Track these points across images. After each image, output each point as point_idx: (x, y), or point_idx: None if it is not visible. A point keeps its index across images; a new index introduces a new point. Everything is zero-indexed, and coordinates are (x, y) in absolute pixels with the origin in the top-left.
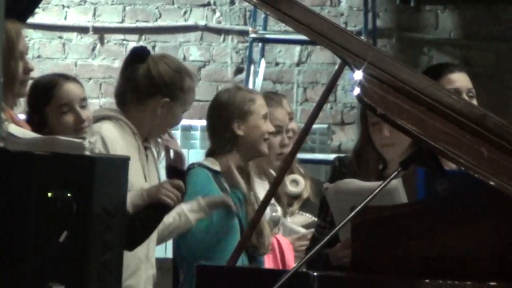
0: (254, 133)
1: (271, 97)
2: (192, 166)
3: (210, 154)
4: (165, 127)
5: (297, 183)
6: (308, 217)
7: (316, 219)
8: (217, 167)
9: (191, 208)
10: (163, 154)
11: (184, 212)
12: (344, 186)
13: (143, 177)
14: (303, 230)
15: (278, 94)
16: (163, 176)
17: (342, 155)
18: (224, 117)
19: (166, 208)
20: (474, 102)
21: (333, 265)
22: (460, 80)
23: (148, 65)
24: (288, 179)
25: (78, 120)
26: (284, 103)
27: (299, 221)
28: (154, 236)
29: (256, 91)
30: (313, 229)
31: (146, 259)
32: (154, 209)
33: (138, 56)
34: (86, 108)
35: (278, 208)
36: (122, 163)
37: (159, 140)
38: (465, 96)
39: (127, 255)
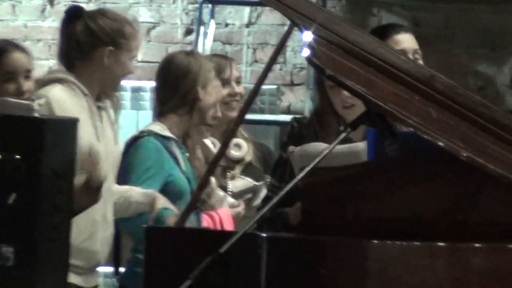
0: (210, 99)
1: (219, 61)
2: (142, 134)
3: (160, 115)
4: (116, 79)
5: (240, 147)
6: (249, 181)
7: (257, 183)
8: (167, 132)
9: (141, 201)
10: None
11: (132, 201)
12: (309, 150)
13: (96, 138)
14: (232, 200)
15: (228, 57)
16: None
17: (298, 116)
18: (189, 80)
19: None
20: (420, 62)
21: (292, 224)
22: (406, 40)
23: (84, 20)
24: (231, 143)
25: (19, 91)
26: (233, 67)
27: (240, 185)
28: (111, 198)
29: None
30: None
31: (104, 221)
32: None
33: (73, 14)
34: (29, 80)
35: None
36: (71, 124)
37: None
38: (411, 57)
39: (83, 218)
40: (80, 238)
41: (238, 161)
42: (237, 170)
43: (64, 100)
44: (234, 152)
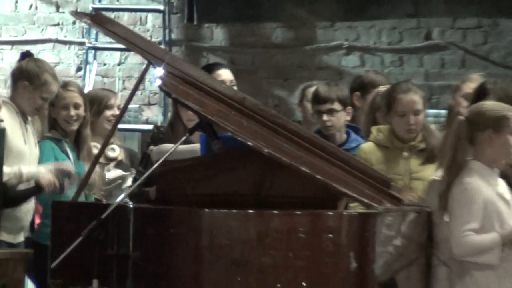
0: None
1: (108, 93)
2: (41, 138)
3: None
4: (29, 106)
5: (114, 150)
6: (120, 172)
7: (125, 173)
8: (58, 135)
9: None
10: None
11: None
12: (163, 148)
13: (24, 142)
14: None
15: (113, 91)
16: None
17: (158, 124)
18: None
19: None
20: (235, 88)
21: (152, 199)
22: (225, 74)
23: (22, 62)
24: (108, 147)
25: None
26: (117, 97)
27: (113, 175)
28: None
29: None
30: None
31: None
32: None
33: (21, 57)
34: None
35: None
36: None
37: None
38: (228, 85)
39: None
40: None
41: (113, 159)
42: (111, 165)
43: (5, 115)
44: (110, 153)
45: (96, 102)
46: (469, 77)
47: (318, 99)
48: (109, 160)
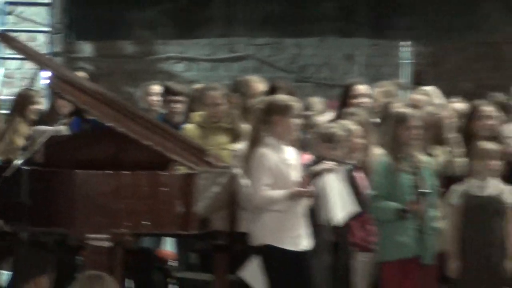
0: None
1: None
2: None
3: None
4: None
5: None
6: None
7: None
8: None
9: None
10: None
11: None
12: (40, 128)
13: None
14: None
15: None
16: None
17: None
18: None
19: None
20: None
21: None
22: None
23: None
24: None
25: None
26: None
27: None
28: None
29: None
30: None
31: None
32: None
33: None
34: None
35: None
36: None
37: None
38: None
39: None
40: None
41: None
42: None
43: None
44: None
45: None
46: (257, 78)
47: (172, 92)
48: None
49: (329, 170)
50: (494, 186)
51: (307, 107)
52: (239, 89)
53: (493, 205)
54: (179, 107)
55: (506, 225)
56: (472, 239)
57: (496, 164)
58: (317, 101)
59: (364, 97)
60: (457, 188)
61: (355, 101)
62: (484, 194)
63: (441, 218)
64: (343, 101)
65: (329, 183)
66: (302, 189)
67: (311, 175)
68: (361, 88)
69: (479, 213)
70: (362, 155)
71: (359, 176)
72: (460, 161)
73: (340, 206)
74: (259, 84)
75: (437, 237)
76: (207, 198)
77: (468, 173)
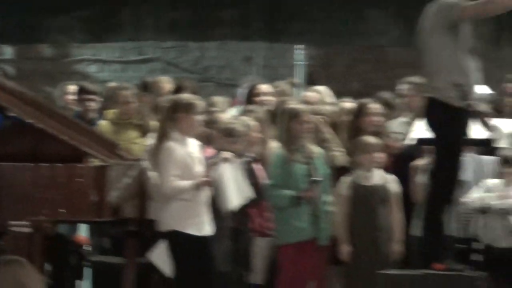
0: None
1: None
2: None
3: None
4: None
5: None
6: None
7: None
8: None
9: None
10: None
11: None
12: None
13: None
14: None
15: None
16: None
17: None
18: None
19: None
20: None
21: None
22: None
23: None
24: None
25: None
26: None
27: None
28: None
29: None
30: None
31: None
32: None
33: None
34: None
35: None
36: None
37: None
38: None
39: None
40: None
41: None
42: None
43: None
44: None
45: None
46: (164, 79)
47: (86, 91)
48: None
49: (225, 160)
50: (379, 177)
51: (212, 105)
52: (148, 88)
53: (378, 193)
54: (93, 105)
55: (391, 211)
56: (360, 225)
57: (380, 156)
58: (220, 100)
59: (266, 96)
60: (345, 179)
61: (258, 99)
62: (370, 184)
63: (333, 204)
64: (248, 99)
65: (225, 172)
66: (205, 179)
67: (209, 165)
68: (264, 87)
69: (366, 201)
70: (260, 148)
71: (258, 167)
72: (341, 155)
73: (235, 192)
74: (166, 84)
75: (330, 220)
76: (120, 189)
77: (354, 165)
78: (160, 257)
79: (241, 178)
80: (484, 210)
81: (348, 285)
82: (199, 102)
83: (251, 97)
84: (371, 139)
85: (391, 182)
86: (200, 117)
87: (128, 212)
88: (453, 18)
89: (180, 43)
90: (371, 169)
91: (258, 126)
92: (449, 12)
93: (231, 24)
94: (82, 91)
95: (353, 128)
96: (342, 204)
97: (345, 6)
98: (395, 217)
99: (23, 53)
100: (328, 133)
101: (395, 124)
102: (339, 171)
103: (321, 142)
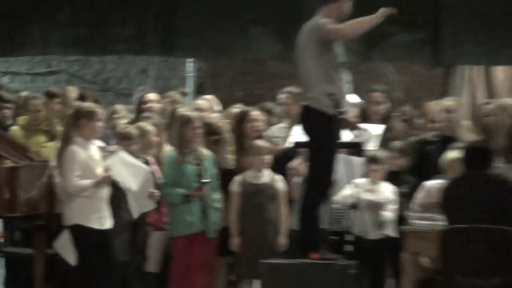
0: None
1: None
2: None
3: None
4: None
5: None
6: None
7: None
8: None
9: None
10: None
11: None
12: None
13: None
14: None
15: None
16: None
17: None
18: None
19: None
20: None
21: None
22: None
23: None
24: None
25: None
26: None
27: None
28: None
29: None
30: None
31: None
32: None
33: None
34: None
35: None
36: None
37: None
38: None
39: None
40: None
41: None
42: None
43: None
44: None
45: None
46: (69, 89)
47: (3, 100)
48: None
49: (112, 152)
50: (267, 176)
51: (113, 112)
52: (55, 97)
53: (267, 191)
54: (8, 112)
55: (278, 207)
56: (250, 219)
57: (268, 158)
58: (121, 108)
59: (153, 103)
60: (237, 178)
61: (146, 106)
62: (260, 182)
63: (221, 201)
64: (138, 107)
65: (114, 163)
66: (104, 174)
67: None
68: (150, 96)
69: (256, 198)
70: (156, 151)
71: (155, 168)
72: (231, 157)
73: (131, 177)
74: (71, 94)
75: (218, 215)
76: (38, 187)
77: (243, 166)
78: (64, 246)
79: (132, 162)
80: (354, 206)
81: (236, 274)
82: (99, 110)
83: (140, 105)
84: (261, 143)
85: (279, 181)
86: (100, 124)
87: (37, 207)
88: (321, 37)
89: (83, 57)
90: (261, 169)
91: (155, 130)
92: (318, 32)
93: (129, 39)
94: None
95: (236, 133)
96: (233, 201)
97: (231, 23)
98: (282, 212)
99: None
100: (228, 137)
101: (275, 129)
102: (230, 172)
103: (213, 145)
